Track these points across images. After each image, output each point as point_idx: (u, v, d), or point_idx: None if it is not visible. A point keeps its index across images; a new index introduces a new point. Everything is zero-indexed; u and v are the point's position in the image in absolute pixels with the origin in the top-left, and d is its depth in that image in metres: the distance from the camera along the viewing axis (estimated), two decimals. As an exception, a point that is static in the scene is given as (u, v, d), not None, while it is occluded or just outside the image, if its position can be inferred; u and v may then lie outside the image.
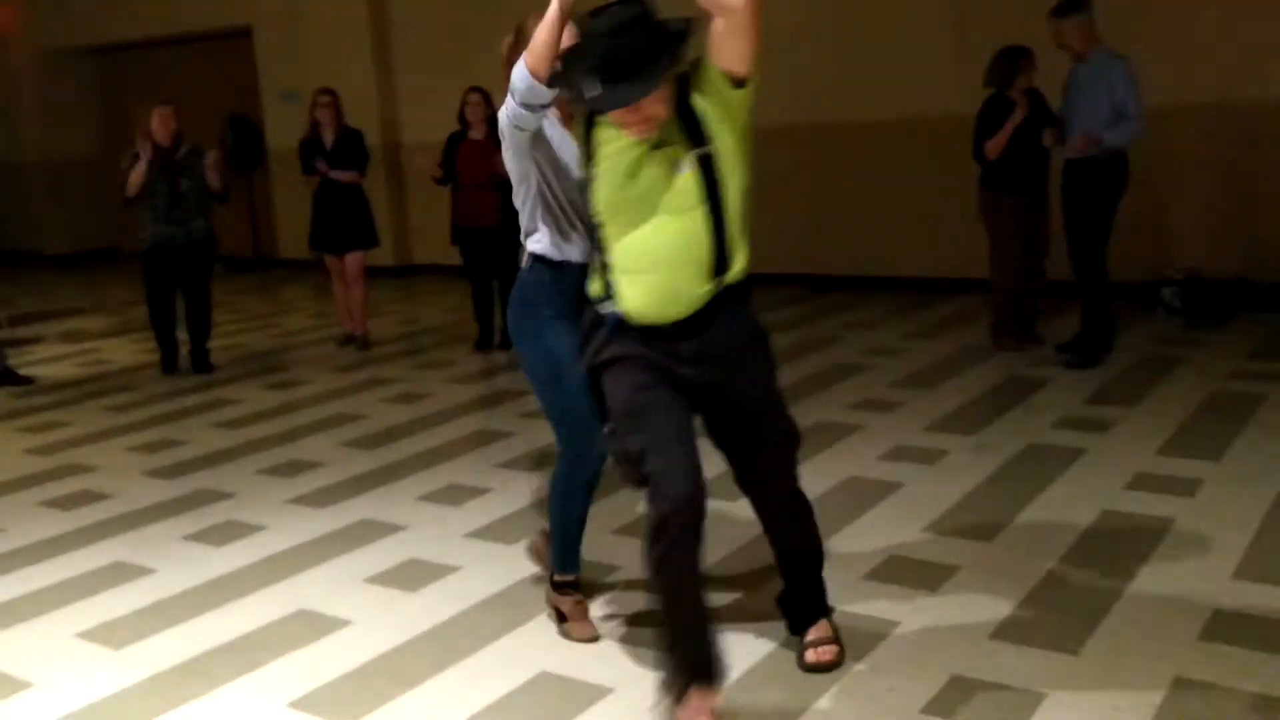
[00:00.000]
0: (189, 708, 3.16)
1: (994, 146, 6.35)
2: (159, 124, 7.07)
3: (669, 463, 2.72)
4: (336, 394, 6.69)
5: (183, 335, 7.46)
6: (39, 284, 12.22)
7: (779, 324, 7.93)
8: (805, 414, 5.57)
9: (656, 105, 2.65)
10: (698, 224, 2.75)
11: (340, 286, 8.08)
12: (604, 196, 2.81)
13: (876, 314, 8.12)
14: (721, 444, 3.04)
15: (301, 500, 4.84)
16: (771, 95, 9.06)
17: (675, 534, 2.70)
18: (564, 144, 3.13)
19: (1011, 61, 6.40)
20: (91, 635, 3.64)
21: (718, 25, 2.68)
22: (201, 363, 7.41)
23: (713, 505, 2.93)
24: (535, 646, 3.39)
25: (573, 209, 3.15)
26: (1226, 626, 3.25)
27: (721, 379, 2.87)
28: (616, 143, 2.78)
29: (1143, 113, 5.96)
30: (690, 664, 2.78)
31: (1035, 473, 4.61)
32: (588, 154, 2.87)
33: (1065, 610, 3.41)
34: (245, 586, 3.95)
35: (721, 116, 2.75)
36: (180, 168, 7.10)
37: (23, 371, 7.45)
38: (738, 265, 2.84)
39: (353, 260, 7.90)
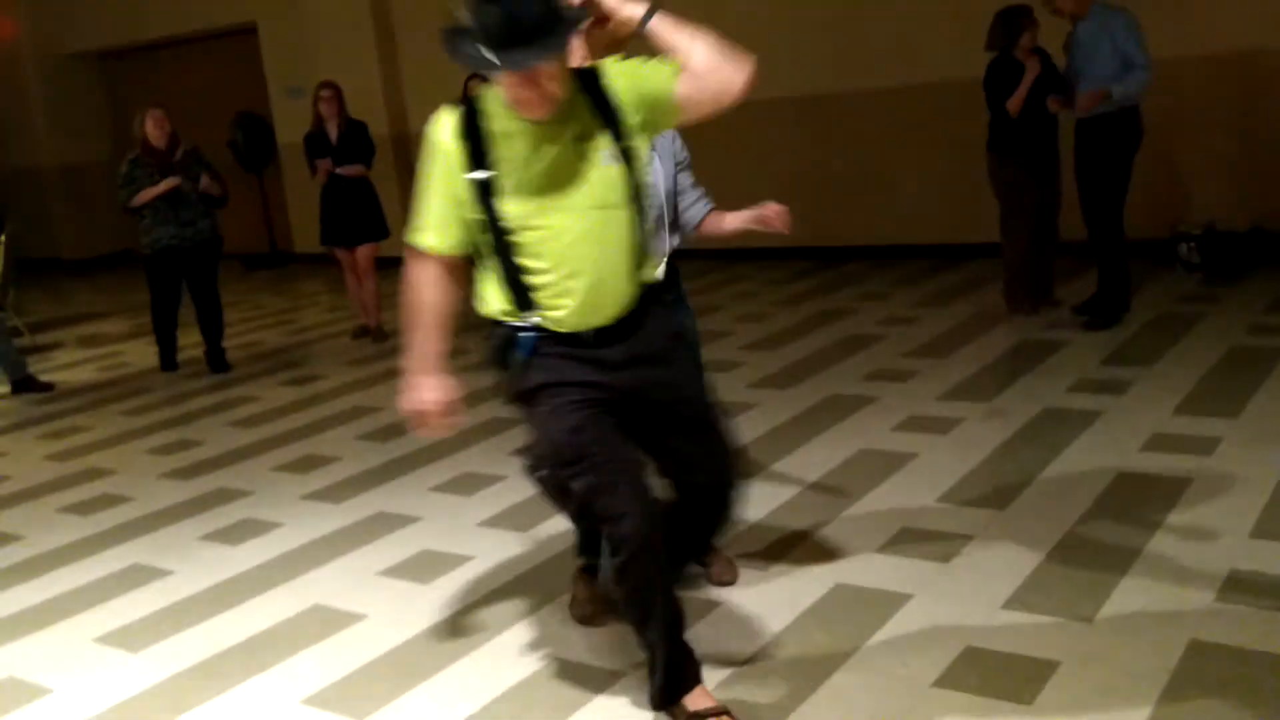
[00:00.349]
0: (204, 708, 3.18)
1: (1015, 103, 6.23)
2: (153, 127, 7.08)
3: (622, 504, 2.62)
4: (352, 387, 6.71)
5: (196, 337, 7.50)
6: (57, 290, 12.32)
7: (791, 298, 7.89)
8: (818, 388, 5.57)
9: (554, 83, 2.48)
10: (624, 220, 2.63)
11: (353, 280, 8.09)
12: (515, 200, 2.59)
13: (889, 284, 8.06)
14: (661, 443, 2.82)
15: (317, 496, 4.85)
16: (775, 67, 9.06)
17: (636, 550, 2.65)
18: None
19: (1013, 21, 6.30)
20: (109, 639, 3.67)
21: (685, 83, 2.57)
22: (219, 362, 7.45)
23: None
24: (548, 634, 3.39)
25: None
26: (1244, 587, 3.21)
27: (656, 376, 2.75)
28: (519, 142, 2.58)
29: (1149, 62, 5.86)
30: (677, 667, 2.79)
31: (1050, 438, 4.57)
32: (479, 156, 2.60)
33: (1079, 577, 3.38)
34: (261, 585, 3.97)
35: (643, 119, 2.62)
36: (179, 169, 7.11)
37: (43, 378, 7.50)
38: (653, 263, 2.79)
39: (364, 253, 7.91)
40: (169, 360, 7.60)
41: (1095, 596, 3.24)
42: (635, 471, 2.71)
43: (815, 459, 4.62)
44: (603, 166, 2.60)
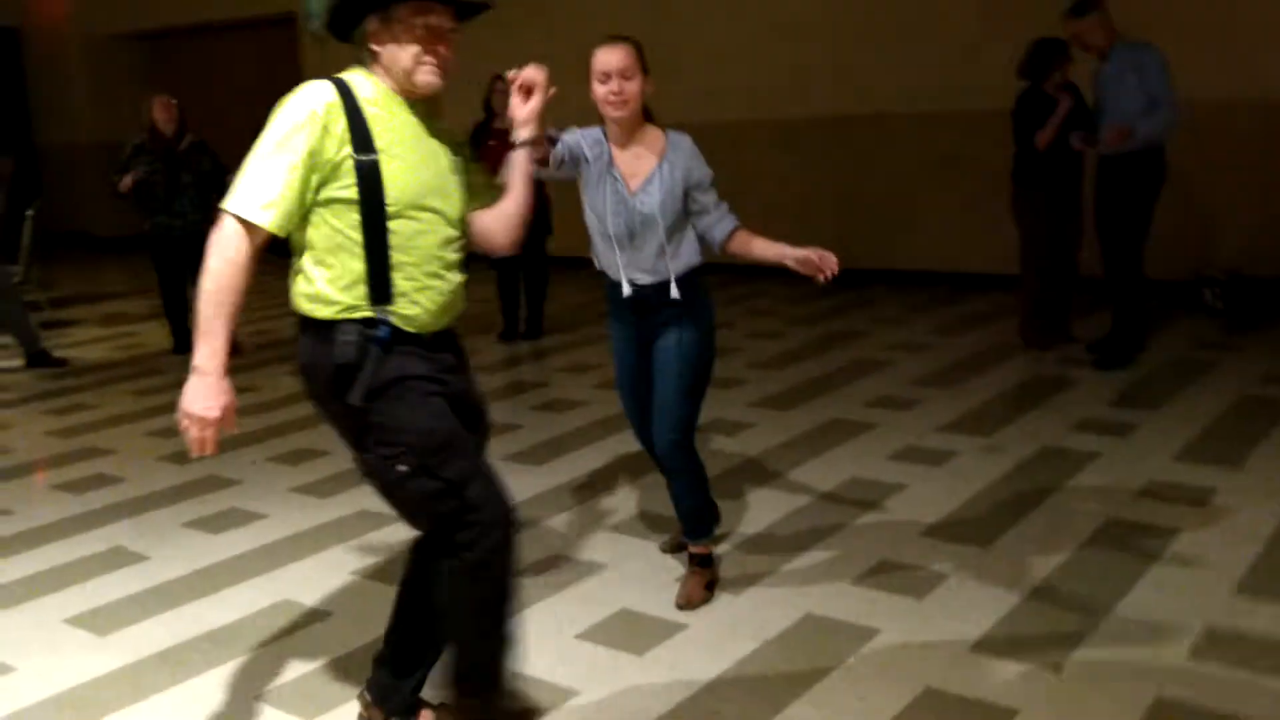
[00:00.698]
0: (162, 696, 3.17)
1: (1045, 137, 6.14)
2: (160, 112, 7.14)
3: (487, 487, 2.60)
4: (357, 382, 6.71)
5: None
6: (86, 266, 12.44)
7: (806, 318, 7.84)
8: (819, 411, 5.52)
9: (450, 46, 2.58)
10: (463, 227, 2.70)
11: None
12: (397, 187, 2.50)
13: (907, 309, 7.99)
14: None
15: (304, 489, 4.85)
16: (806, 86, 9.04)
17: (502, 541, 2.61)
18: (600, 178, 3.30)
19: (1046, 54, 6.23)
20: (79, 621, 3.67)
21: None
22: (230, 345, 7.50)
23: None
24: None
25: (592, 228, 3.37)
26: (1219, 646, 3.13)
27: (466, 387, 2.76)
28: (404, 130, 2.54)
29: (1175, 99, 5.77)
30: (496, 671, 2.76)
31: (1045, 477, 4.49)
32: (364, 135, 2.48)
33: (1052, 624, 3.31)
34: (235, 575, 3.97)
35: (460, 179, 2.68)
36: (182, 160, 7.15)
37: (58, 354, 7.57)
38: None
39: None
40: (182, 343, 7.64)
41: (1066, 644, 3.18)
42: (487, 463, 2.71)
43: (804, 484, 4.57)
44: (460, 181, 2.66)
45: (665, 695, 3.03)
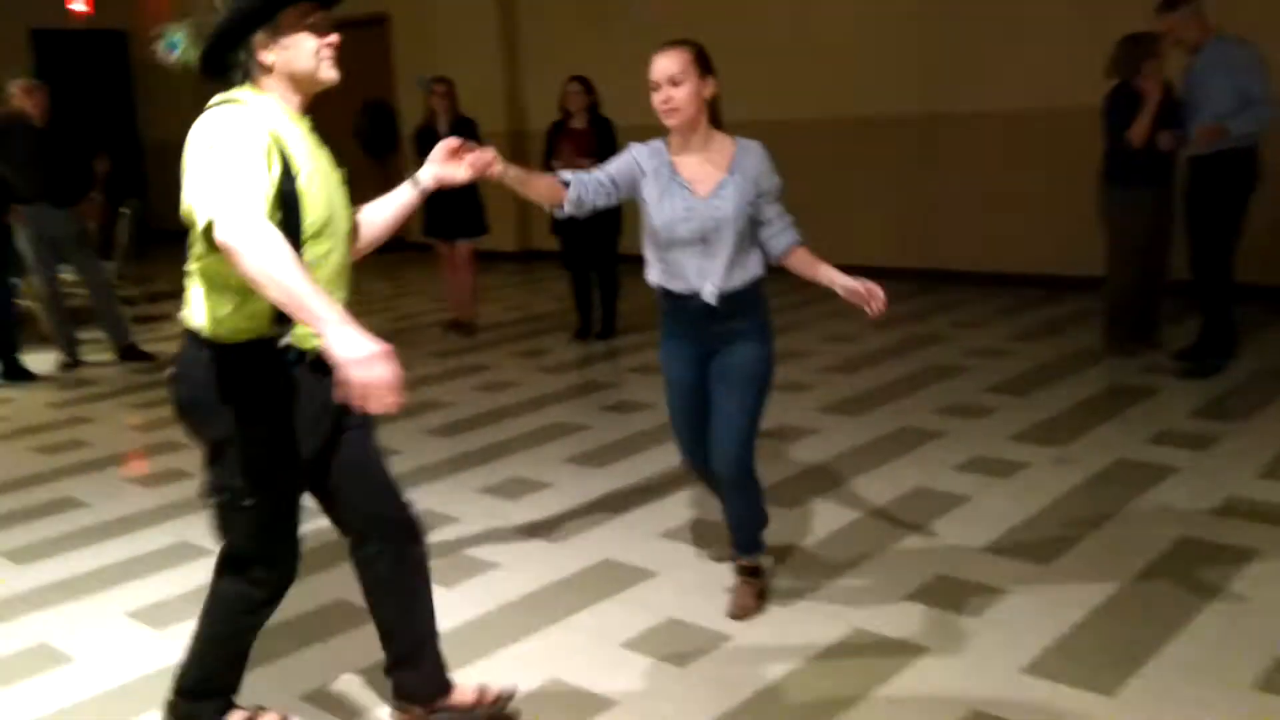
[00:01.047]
0: (210, 693, 3.23)
1: (1138, 132, 5.92)
2: None
3: (290, 548, 2.78)
4: (429, 380, 6.79)
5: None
6: (183, 263, 12.76)
7: (883, 322, 7.65)
8: (888, 418, 5.41)
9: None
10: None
11: (449, 272, 8.20)
12: (316, 209, 2.48)
13: (988, 313, 7.79)
14: (328, 482, 2.77)
15: (369, 487, 4.91)
16: (888, 83, 8.87)
17: (275, 598, 2.79)
18: (665, 188, 3.24)
19: (1138, 49, 6.00)
20: (140, 615, 3.76)
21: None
22: None
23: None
24: (551, 653, 3.35)
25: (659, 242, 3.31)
26: (1288, 677, 2.98)
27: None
28: (313, 152, 2.53)
29: (1270, 97, 5.52)
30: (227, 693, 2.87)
31: (1117, 491, 4.34)
32: (288, 162, 2.44)
33: (1112, 645, 3.19)
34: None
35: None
36: None
37: (146, 348, 7.79)
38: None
39: (462, 248, 8.00)
40: None
41: (1123, 669, 3.05)
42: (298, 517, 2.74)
43: (866, 493, 4.48)
44: (347, 196, 2.66)
45: (702, 710, 2.98)
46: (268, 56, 2.49)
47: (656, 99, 3.19)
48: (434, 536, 4.29)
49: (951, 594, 3.57)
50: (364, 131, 12.56)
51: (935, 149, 8.89)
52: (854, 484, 4.59)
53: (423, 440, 5.57)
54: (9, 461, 5.55)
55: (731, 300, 3.28)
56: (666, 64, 3.17)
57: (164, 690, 2.88)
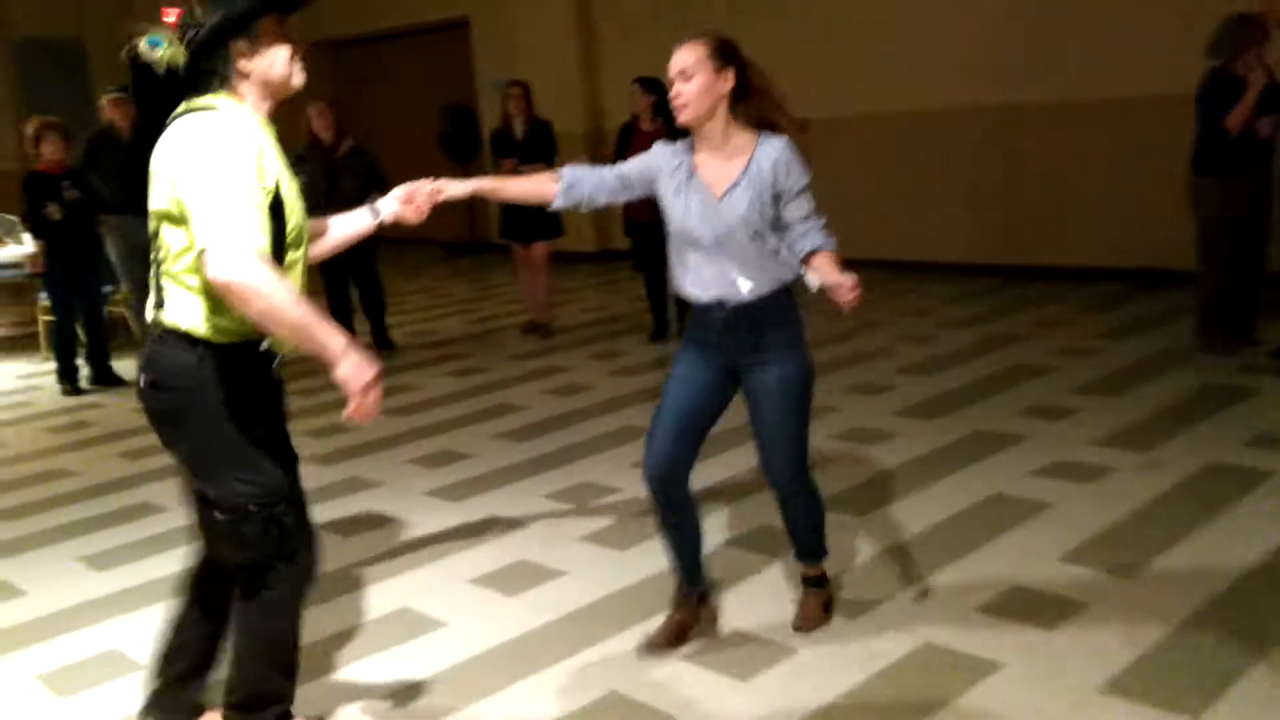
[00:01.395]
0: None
1: (1237, 118, 5.68)
2: (318, 120, 7.37)
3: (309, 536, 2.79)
4: (504, 383, 6.80)
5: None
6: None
7: (963, 319, 7.51)
8: (966, 420, 5.26)
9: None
10: None
11: (526, 274, 8.21)
12: (294, 215, 2.56)
13: (1075, 309, 7.55)
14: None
15: (440, 493, 4.92)
16: (967, 74, 8.65)
17: (310, 583, 2.80)
18: (681, 188, 3.12)
19: (1240, 31, 5.74)
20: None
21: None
22: (383, 340, 7.86)
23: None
24: (612, 665, 3.30)
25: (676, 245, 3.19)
26: (1389, 699, 2.80)
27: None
28: (281, 158, 2.56)
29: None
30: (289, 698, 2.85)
31: (1209, 498, 4.14)
32: (275, 169, 2.52)
33: (1196, 666, 3.03)
34: (356, 582, 4.04)
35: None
36: (341, 165, 7.36)
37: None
38: None
39: (539, 249, 8.01)
40: None
41: (1208, 692, 2.90)
42: None
43: (940, 500, 4.35)
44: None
45: (763, 726, 2.91)
46: (245, 64, 2.51)
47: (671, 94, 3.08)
48: (498, 543, 4.29)
49: (1026, 606, 3.43)
50: (446, 134, 12.71)
51: (1017, 139, 8.65)
52: (928, 490, 4.46)
53: (494, 444, 5.57)
54: (96, 467, 5.69)
55: (756, 310, 3.10)
56: (679, 57, 3.03)
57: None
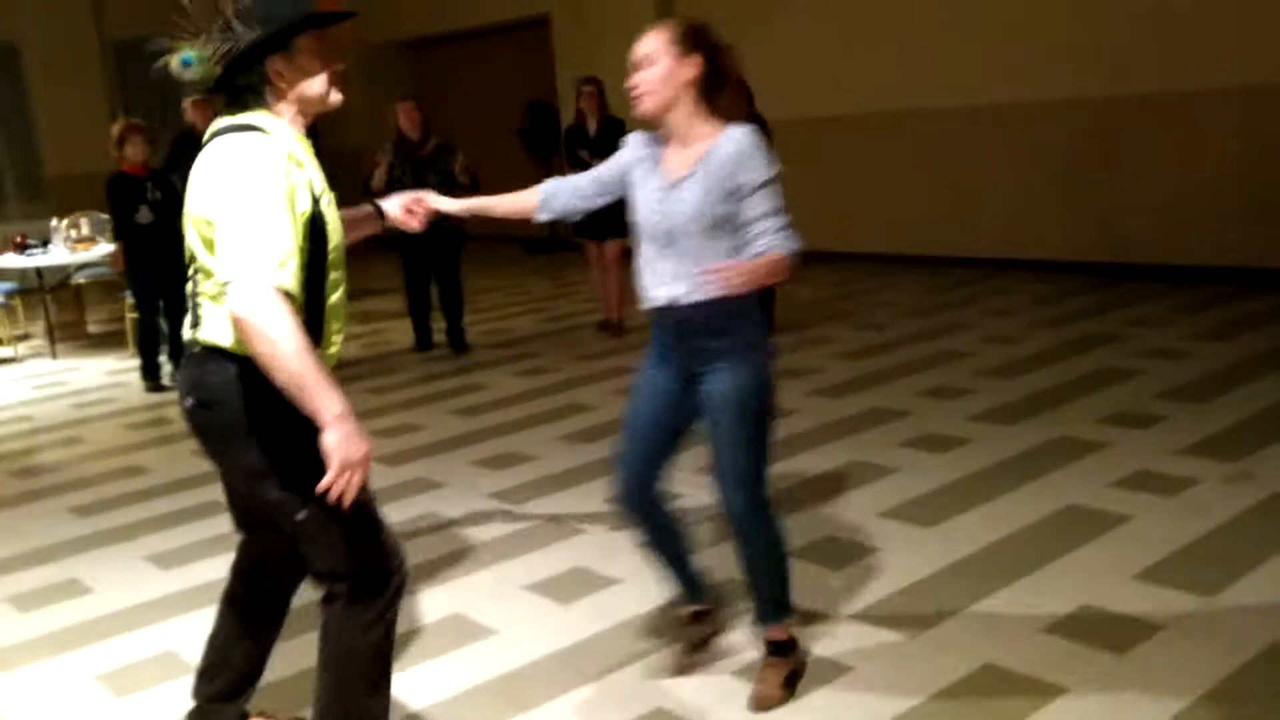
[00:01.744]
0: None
1: None
2: (404, 118, 7.43)
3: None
4: (574, 383, 6.76)
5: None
6: (352, 265, 13.18)
7: (1051, 320, 7.26)
8: (1046, 426, 5.07)
9: None
10: None
11: (599, 273, 8.17)
12: (334, 233, 2.53)
13: (1169, 309, 7.25)
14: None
15: (502, 495, 4.90)
16: (1061, 64, 8.36)
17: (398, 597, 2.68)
18: (643, 180, 2.97)
19: None
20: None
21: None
22: (458, 341, 7.87)
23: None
24: (658, 681, 3.22)
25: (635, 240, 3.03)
26: None
27: None
28: (320, 175, 2.52)
29: None
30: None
31: (1299, 514, 3.92)
32: (313, 186, 2.49)
33: (1277, 697, 2.85)
34: (410, 587, 4.00)
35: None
36: (426, 162, 7.40)
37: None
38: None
39: (611, 248, 7.96)
40: (424, 340, 8.00)
41: (1289, 724, 2.73)
42: None
43: (1013, 511, 4.18)
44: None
45: (811, 749, 2.81)
46: (282, 80, 2.47)
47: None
48: (555, 549, 4.24)
49: (1097, 627, 3.27)
50: (525, 130, 12.76)
51: (1114, 133, 8.33)
52: (999, 501, 4.30)
53: (559, 446, 5.53)
54: (170, 465, 5.78)
55: (706, 313, 2.84)
56: (641, 44, 2.88)
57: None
